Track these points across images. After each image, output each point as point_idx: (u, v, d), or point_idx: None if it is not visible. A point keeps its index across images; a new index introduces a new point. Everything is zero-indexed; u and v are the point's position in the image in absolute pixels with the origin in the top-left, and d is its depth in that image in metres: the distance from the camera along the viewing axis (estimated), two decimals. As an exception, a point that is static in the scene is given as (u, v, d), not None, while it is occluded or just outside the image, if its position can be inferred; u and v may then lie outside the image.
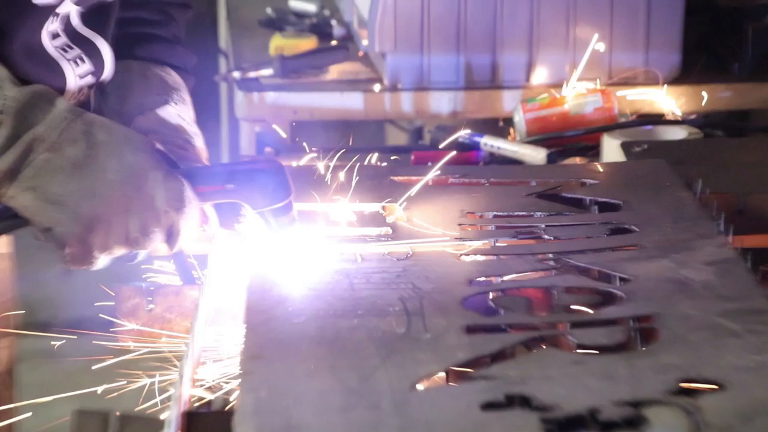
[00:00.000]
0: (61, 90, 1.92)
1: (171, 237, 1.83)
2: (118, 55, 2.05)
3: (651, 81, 3.37)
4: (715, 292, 1.78)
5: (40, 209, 1.75)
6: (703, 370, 1.55)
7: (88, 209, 1.75)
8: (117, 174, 1.76)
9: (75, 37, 1.97)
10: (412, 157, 2.77)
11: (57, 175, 1.74)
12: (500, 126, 3.06)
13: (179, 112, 2.09)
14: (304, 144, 2.54)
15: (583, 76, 3.26)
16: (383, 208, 2.13)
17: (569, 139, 2.93)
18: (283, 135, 2.91)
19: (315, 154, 2.34)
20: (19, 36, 1.85)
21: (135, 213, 1.78)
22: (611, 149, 2.65)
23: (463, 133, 2.86)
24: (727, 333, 1.65)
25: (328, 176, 2.21)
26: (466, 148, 2.88)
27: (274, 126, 2.99)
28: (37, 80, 1.79)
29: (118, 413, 1.58)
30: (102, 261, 1.81)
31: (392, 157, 2.75)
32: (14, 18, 1.84)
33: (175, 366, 1.82)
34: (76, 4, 1.92)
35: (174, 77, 2.17)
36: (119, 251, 1.81)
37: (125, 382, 1.83)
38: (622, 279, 1.85)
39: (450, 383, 1.60)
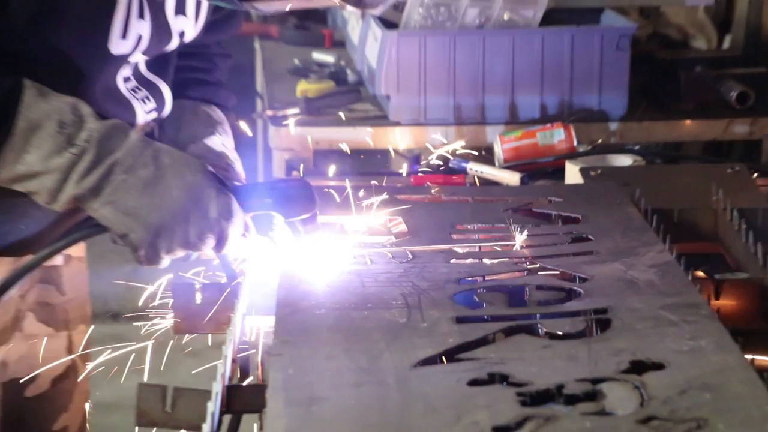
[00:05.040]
0: (132, 123, 1.92)
1: (221, 242, 1.82)
2: (174, 96, 2.05)
3: (603, 119, 3.37)
4: (657, 290, 1.76)
5: (118, 219, 1.74)
6: (648, 353, 1.53)
7: (157, 219, 1.75)
8: (179, 191, 1.76)
9: (142, 81, 1.97)
10: (412, 180, 2.77)
11: (132, 191, 1.73)
12: (483, 154, 3.05)
13: (223, 141, 2.10)
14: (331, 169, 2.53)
15: (550, 115, 3.28)
16: (389, 220, 2.11)
17: (539, 165, 2.92)
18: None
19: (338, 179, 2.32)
20: (99, 80, 1.85)
21: (194, 222, 1.78)
22: (572, 173, 2.64)
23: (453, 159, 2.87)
24: (667, 322, 1.64)
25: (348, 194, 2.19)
26: (456, 172, 2.87)
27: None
28: (114, 116, 1.79)
29: (173, 386, 1.57)
30: (166, 261, 1.81)
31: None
32: (96, 65, 1.83)
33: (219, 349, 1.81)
34: (144, 53, 1.92)
35: (218, 113, 2.17)
36: (180, 253, 1.80)
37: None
38: (581, 279, 1.84)
39: (442, 364, 1.58)
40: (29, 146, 1.69)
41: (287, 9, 1.79)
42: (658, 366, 1.50)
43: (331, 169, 2.62)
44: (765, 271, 1.91)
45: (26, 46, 1.74)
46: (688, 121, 3.46)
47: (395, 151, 3.73)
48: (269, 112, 3.42)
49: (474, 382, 1.47)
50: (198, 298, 1.90)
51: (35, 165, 1.70)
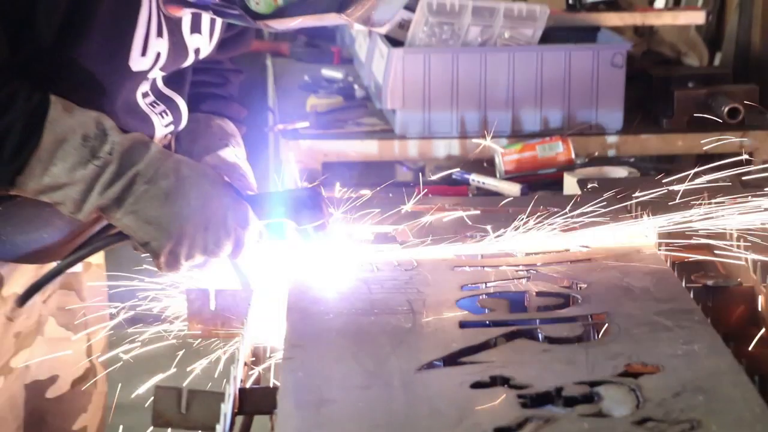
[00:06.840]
0: (151, 137, 1.92)
1: (237, 248, 1.82)
2: (189, 109, 2.05)
3: (600, 132, 3.37)
4: (652, 296, 1.76)
5: (140, 228, 1.74)
6: (643, 357, 1.53)
7: (177, 228, 1.75)
8: (198, 200, 1.76)
9: (160, 96, 1.97)
10: (416, 191, 2.76)
11: (153, 201, 1.73)
12: (485, 166, 3.04)
13: (235, 153, 2.10)
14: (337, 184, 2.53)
15: (549, 128, 3.28)
16: (394, 229, 2.11)
17: (538, 177, 2.92)
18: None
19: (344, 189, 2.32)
20: (120, 95, 1.85)
21: (212, 230, 1.78)
22: (570, 185, 2.63)
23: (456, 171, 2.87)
24: (662, 328, 1.63)
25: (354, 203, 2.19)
26: (459, 183, 2.87)
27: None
28: (133, 129, 1.80)
29: (188, 388, 1.57)
30: (185, 267, 1.81)
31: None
32: (117, 81, 1.83)
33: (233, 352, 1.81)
34: (162, 70, 1.92)
35: (230, 126, 2.18)
36: (199, 260, 1.80)
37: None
38: (579, 285, 1.83)
39: (446, 367, 1.58)
40: (55, 159, 1.69)
41: (298, 27, 1.80)
42: (654, 369, 1.50)
43: (340, 180, 2.61)
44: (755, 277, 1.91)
45: (52, 63, 1.75)
46: (679, 135, 3.45)
47: (400, 163, 3.73)
48: (280, 126, 3.42)
49: (477, 385, 1.47)
50: (212, 303, 1.90)
51: (61, 176, 1.70)
